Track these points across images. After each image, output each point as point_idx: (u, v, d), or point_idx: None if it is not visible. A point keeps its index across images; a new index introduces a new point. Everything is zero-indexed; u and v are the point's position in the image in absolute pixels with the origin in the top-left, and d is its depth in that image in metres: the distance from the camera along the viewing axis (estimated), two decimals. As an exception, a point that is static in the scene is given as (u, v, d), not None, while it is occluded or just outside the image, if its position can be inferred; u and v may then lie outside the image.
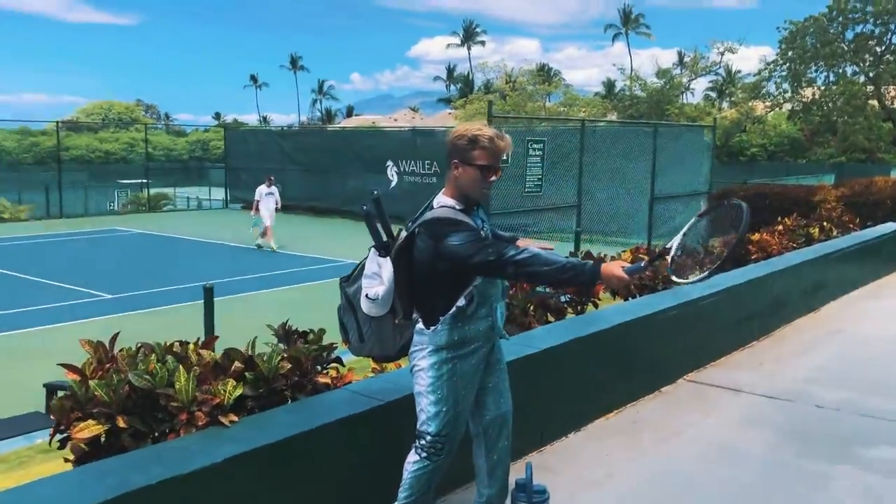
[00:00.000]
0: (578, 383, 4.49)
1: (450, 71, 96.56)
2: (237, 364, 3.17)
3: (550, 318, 5.18)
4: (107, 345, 3.16)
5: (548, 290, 5.33)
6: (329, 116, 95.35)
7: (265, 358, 3.22)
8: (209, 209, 28.99)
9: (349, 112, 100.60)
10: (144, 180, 29.07)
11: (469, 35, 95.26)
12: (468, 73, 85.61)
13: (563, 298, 5.43)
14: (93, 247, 18.16)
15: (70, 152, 44.47)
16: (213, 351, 3.41)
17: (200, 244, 18.22)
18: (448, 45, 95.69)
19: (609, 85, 66.69)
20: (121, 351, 3.13)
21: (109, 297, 11.75)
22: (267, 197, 17.27)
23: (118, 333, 3.29)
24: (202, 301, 6.32)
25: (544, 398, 4.18)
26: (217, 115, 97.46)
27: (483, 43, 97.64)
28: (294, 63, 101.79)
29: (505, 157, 3.21)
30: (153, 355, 3.05)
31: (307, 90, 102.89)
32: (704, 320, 5.78)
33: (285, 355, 3.30)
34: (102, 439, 2.79)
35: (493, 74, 46.13)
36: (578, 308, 5.60)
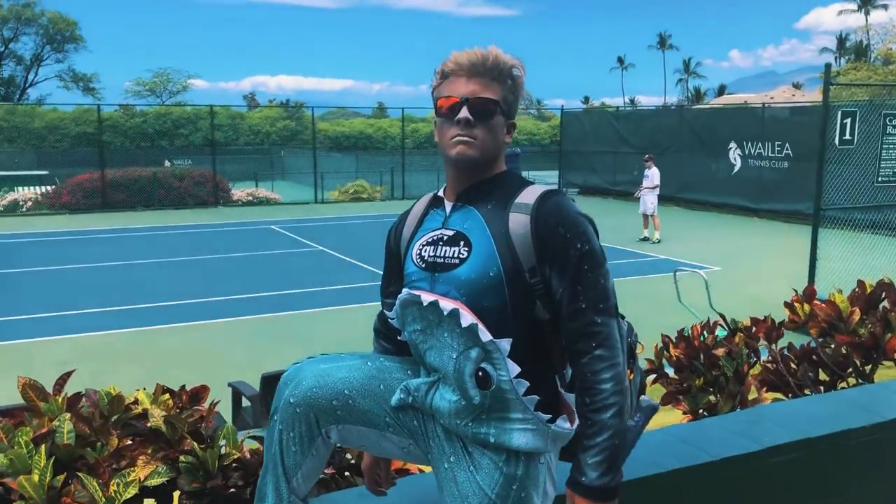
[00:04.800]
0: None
1: (841, 41, 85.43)
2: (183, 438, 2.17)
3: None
4: (48, 388, 2.37)
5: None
6: (697, 96, 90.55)
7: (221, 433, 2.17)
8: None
9: (720, 91, 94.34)
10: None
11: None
12: (863, 42, 74.82)
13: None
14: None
15: (445, 138, 47.44)
16: (205, 403, 2.47)
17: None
18: (840, 12, 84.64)
19: None
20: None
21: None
22: (644, 180, 15.69)
23: (71, 373, 2.49)
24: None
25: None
26: (585, 99, 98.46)
27: (885, 7, 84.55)
28: (662, 42, 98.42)
29: (509, 94, 1.74)
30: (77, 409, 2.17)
31: (677, 70, 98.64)
32: None
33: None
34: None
35: (878, 39, 39.20)
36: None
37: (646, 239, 15.36)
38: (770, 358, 3.63)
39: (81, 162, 24.73)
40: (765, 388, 3.64)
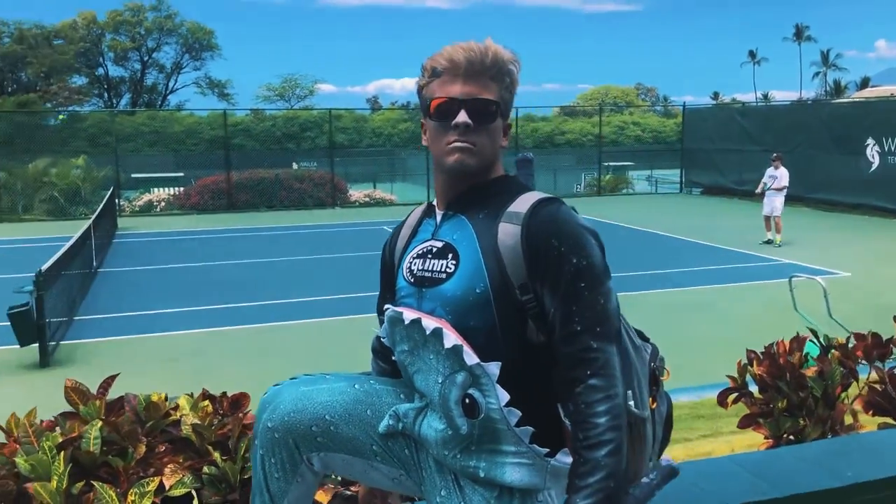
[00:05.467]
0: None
1: None
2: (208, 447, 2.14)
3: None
4: (91, 389, 2.40)
5: None
6: (837, 89, 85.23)
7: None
8: (662, 193, 27.72)
9: (863, 83, 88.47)
10: (627, 163, 29.18)
11: None
12: None
13: None
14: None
15: (565, 136, 47.12)
16: (246, 412, 2.44)
17: (627, 231, 17.18)
18: None
19: None
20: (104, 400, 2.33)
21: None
22: (770, 180, 14.76)
23: (115, 376, 2.52)
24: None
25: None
26: (715, 95, 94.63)
27: None
28: (799, 34, 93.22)
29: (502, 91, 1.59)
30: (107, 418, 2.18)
31: (815, 63, 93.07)
32: None
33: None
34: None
35: None
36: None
37: (769, 242, 14.54)
38: (877, 377, 3.26)
39: (213, 164, 25.96)
40: (871, 412, 3.28)
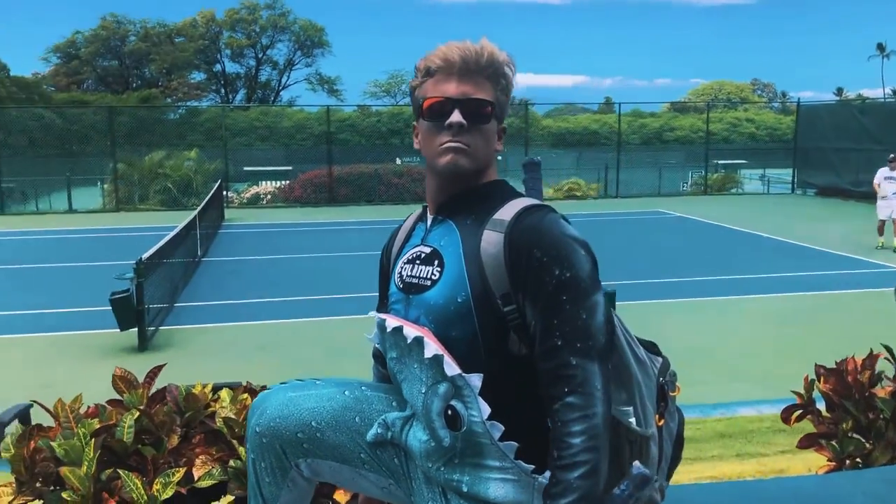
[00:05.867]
0: None
1: None
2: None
3: None
4: (138, 378, 2.49)
5: None
6: (976, 85, 79.25)
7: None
8: (774, 194, 26.52)
9: None
10: (738, 161, 28.20)
11: None
12: None
13: None
14: (617, 228, 18.01)
15: (674, 133, 45.88)
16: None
17: (735, 233, 16.53)
18: None
19: None
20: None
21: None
22: (887, 182, 13.99)
23: (162, 366, 2.61)
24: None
25: None
26: (838, 91, 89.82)
27: None
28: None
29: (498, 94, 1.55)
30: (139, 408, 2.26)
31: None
32: None
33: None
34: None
35: None
36: None
37: (884, 247, 13.69)
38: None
39: (319, 159, 26.66)
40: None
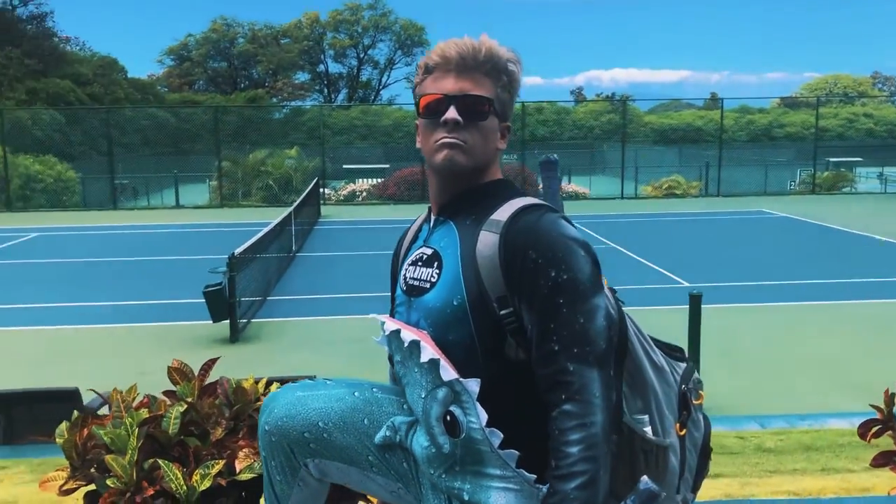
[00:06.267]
0: None
1: None
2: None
3: None
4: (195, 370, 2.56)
5: None
6: None
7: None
8: (892, 193, 25.00)
9: None
10: (854, 158, 26.82)
11: None
12: None
13: None
14: (716, 228, 17.36)
15: (784, 129, 44.04)
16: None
17: (843, 235, 15.68)
18: None
19: None
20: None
21: (686, 285, 10.94)
22: None
23: (216, 359, 2.66)
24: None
25: None
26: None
27: None
28: None
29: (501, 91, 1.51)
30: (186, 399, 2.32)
31: None
32: None
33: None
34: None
35: None
36: None
37: None
38: None
39: (416, 156, 26.95)
40: None
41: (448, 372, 1.34)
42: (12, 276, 12.35)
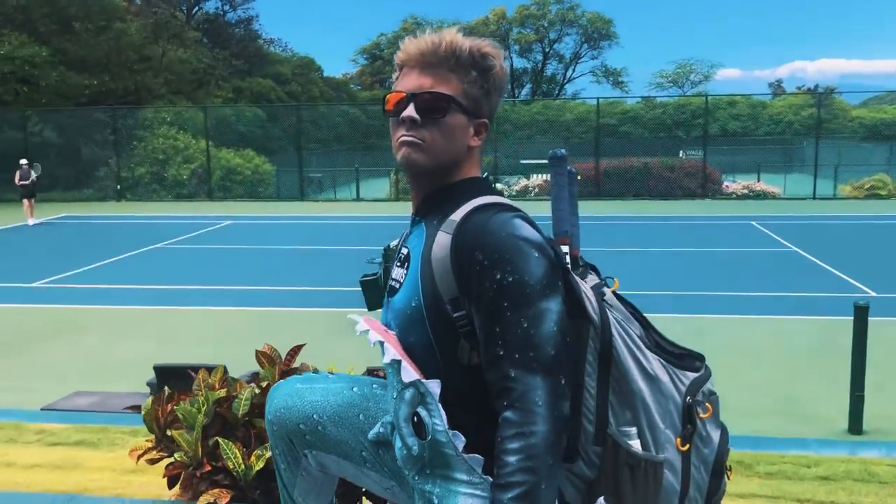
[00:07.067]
0: None
1: None
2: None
3: None
4: (279, 355, 2.68)
5: None
6: None
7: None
8: None
9: None
10: None
11: None
12: None
13: None
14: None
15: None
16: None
17: None
18: None
19: None
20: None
21: (873, 295, 9.98)
22: None
23: (302, 346, 2.77)
24: None
25: None
26: None
27: None
28: None
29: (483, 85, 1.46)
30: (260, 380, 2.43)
31: None
32: None
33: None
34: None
35: None
36: None
37: None
38: None
39: (598, 151, 26.47)
40: None
41: (409, 373, 1.32)
42: (203, 259, 13.53)
